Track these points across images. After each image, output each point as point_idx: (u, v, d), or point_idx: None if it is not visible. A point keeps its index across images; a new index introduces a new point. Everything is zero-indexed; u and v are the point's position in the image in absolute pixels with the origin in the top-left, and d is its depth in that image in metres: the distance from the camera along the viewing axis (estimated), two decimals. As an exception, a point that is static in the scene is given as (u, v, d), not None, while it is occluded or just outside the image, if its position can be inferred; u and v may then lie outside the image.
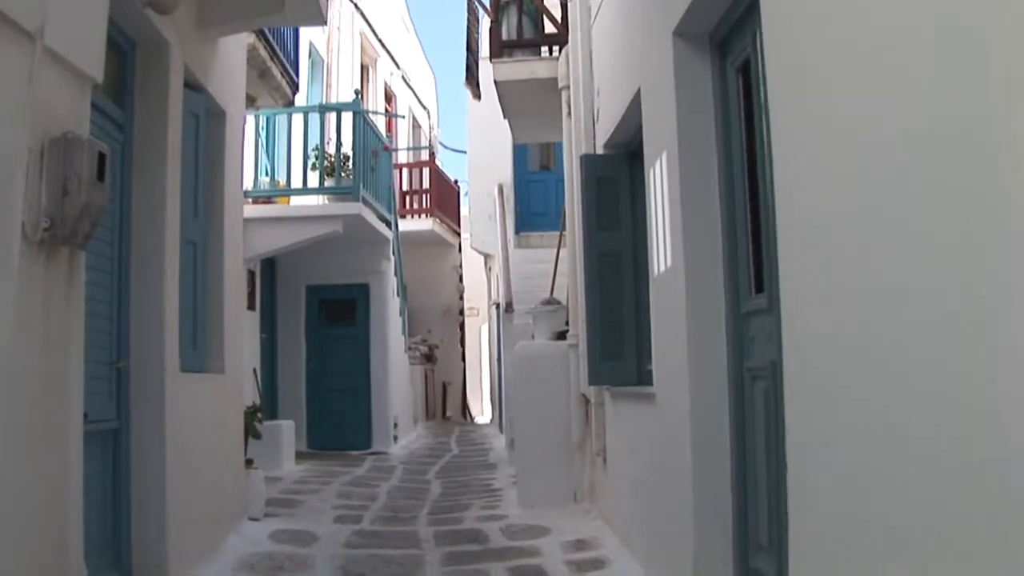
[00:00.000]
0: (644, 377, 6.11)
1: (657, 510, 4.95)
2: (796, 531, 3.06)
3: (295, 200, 11.38)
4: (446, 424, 18.38)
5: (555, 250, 13.93)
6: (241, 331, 6.96)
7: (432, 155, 21.13)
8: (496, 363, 15.89)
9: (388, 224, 13.16)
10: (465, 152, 18.21)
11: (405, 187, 18.40)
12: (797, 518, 3.04)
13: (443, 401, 19.52)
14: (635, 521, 5.61)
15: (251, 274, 11.14)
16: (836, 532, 2.68)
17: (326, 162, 11.20)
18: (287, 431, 10.36)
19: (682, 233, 4.36)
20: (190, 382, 5.61)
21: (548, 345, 7.95)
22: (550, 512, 7.32)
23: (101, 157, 3.57)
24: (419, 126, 22.27)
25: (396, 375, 13.49)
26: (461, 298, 20.49)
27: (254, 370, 10.80)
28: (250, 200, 10.77)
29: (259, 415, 7.50)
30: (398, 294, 14.17)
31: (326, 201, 11.48)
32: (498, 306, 14.26)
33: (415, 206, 18.41)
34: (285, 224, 10.90)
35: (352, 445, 12.46)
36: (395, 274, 13.93)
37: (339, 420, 12.67)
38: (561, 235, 10.42)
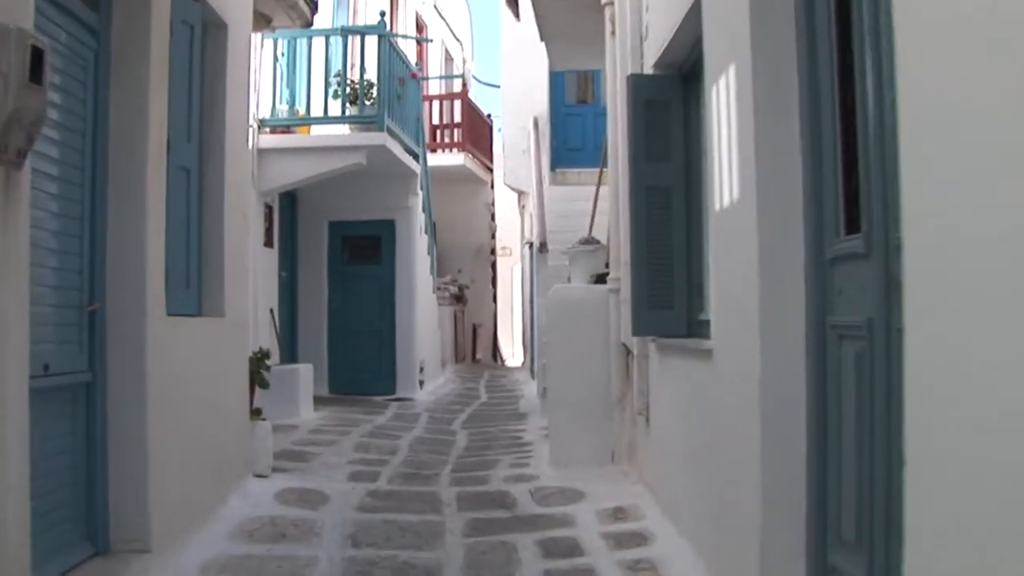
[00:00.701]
0: (694, 328, 5.39)
1: (713, 486, 4.26)
2: (918, 535, 2.34)
3: (316, 130, 10.64)
4: (476, 367, 17.77)
5: (593, 187, 13.20)
6: (245, 270, 6.29)
7: (464, 86, 20.25)
8: (529, 305, 15.22)
9: (416, 157, 12.41)
10: (498, 87, 17.35)
11: (436, 121, 17.61)
12: (920, 518, 2.32)
13: (473, 343, 18.91)
14: (684, 494, 4.92)
15: (269, 209, 10.48)
16: (981, 543, 1.96)
17: (348, 89, 10.45)
18: (304, 375, 9.74)
19: (754, 161, 3.60)
20: (181, 327, 4.96)
21: (586, 289, 7.22)
22: (585, 473, 6.65)
23: (37, 53, 2.86)
24: (451, 59, 21.36)
25: (423, 316, 12.83)
26: (493, 237, 19.77)
27: (271, 311, 10.19)
28: (268, 130, 10.10)
29: (266, 361, 6.85)
30: (426, 231, 13.46)
31: (349, 131, 10.73)
32: (531, 245, 13.54)
33: (446, 140, 17.61)
34: (305, 155, 10.20)
35: (376, 390, 11.87)
36: (423, 210, 13.20)
37: (362, 364, 12.07)
38: (601, 170, 9.64)
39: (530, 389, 12.81)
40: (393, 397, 11.80)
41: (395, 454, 7.87)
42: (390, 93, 10.66)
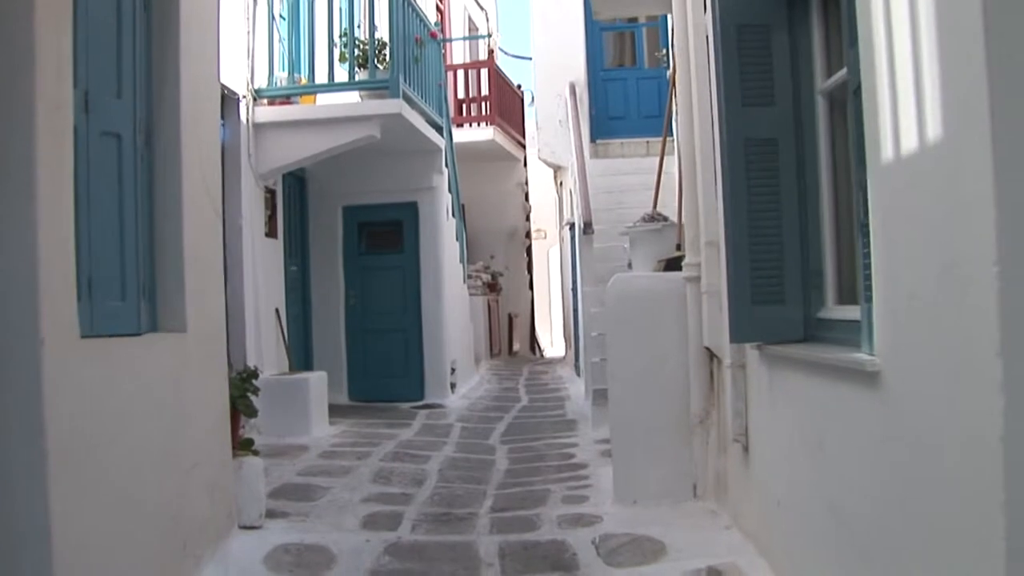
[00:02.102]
0: (813, 330, 3.94)
1: (896, 570, 2.81)
2: None
3: (321, 99, 9.22)
4: (513, 361, 16.32)
5: (640, 159, 11.75)
6: (218, 268, 4.88)
7: (491, 53, 18.74)
8: (570, 292, 13.76)
9: (439, 130, 10.96)
10: (529, 59, 15.78)
11: (461, 94, 16.16)
12: None
13: (509, 335, 17.44)
14: (822, 564, 3.48)
15: (271, 193, 9.09)
16: None
17: (358, 51, 9.03)
18: (316, 386, 8.35)
19: (986, 73, 2.14)
20: (109, 352, 3.57)
21: (655, 278, 5.75)
22: (660, 513, 5.22)
23: None
24: (476, 28, 19.88)
25: (453, 310, 11.41)
26: (528, 219, 18.29)
27: (276, 311, 8.82)
28: (265, 101, 8.71)
29: (253, 382, 5.45)
30: (454, 214, 12.00)
31: (360, 99, 9.29)
32: (572, 226, 12.07)
33: (473, 114, 16.14)
34: (309, 129, 8.77)
35: (401, 396, 10.48)
36: (449, 190, 11.74)
37: (386, 367, 10.67)
38: (665, 137, 8.17)
39: (576, 389, 11.37)
40: (421, 404, 10.39)
41: (422, 484, 6.46)
42: (406, 54, 9.21)
